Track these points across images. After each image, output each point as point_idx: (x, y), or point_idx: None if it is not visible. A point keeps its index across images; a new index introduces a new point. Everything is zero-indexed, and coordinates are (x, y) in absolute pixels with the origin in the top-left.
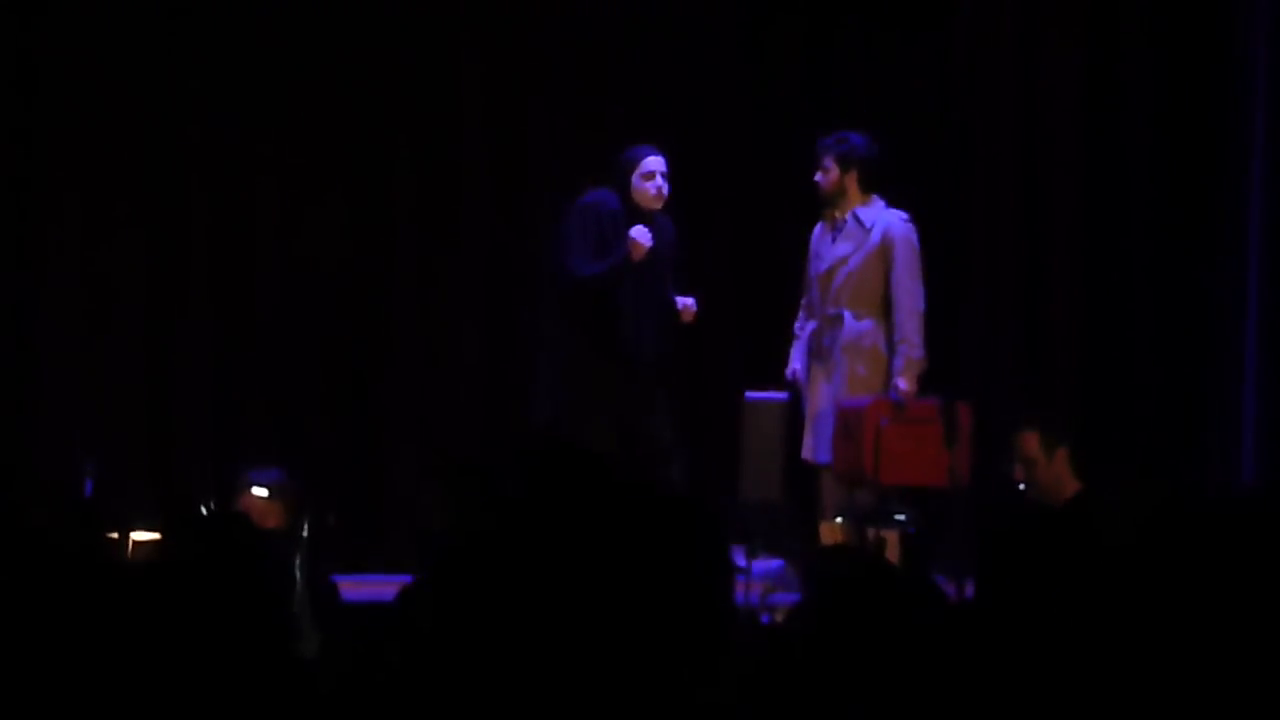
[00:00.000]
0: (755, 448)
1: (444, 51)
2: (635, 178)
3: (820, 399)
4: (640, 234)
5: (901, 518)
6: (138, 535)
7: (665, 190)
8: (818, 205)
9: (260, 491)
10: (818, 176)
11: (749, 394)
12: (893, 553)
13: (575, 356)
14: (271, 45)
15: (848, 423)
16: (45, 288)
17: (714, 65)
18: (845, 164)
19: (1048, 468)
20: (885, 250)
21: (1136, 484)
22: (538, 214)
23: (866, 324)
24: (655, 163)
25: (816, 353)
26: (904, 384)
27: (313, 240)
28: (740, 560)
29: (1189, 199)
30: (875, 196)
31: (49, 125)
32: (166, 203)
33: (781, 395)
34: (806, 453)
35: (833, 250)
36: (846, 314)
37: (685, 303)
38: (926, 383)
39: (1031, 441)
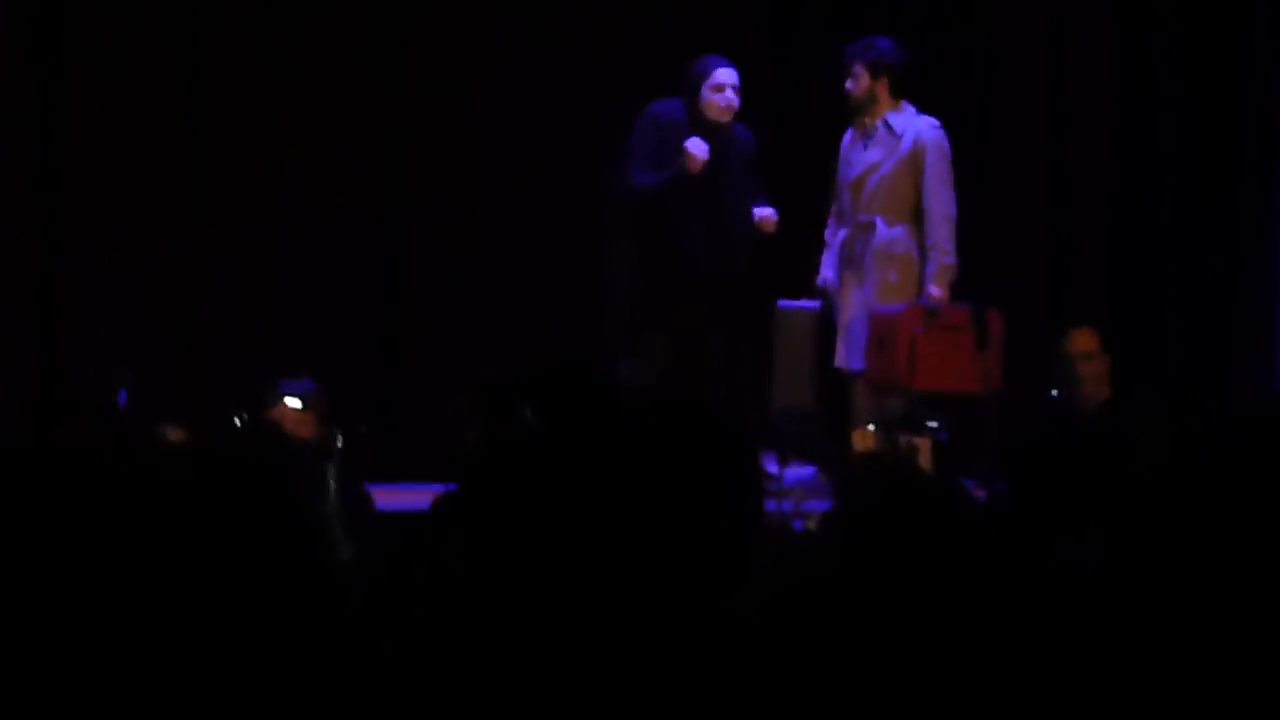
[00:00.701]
0: (787, 356)
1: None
2: (705, 89)
3: (852, 306)
4: (696, 146)
5: (933, 424)
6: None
7: (735, 103)
8: (847, 113)
9: (293, 402)
10: (848, 84)
11: (780, 302)
12: (925, 459)
13: (631, 269)
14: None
15: (881, 331)
16: (75, 203)
17: None
18: (875, 70)
19: (1101, 365)
20: (916, 157)
21: (1167, 396)
22: (564, 130)
23: (898, 230)
24: (726, 75)
25: (848, 260)
26: (936, 290)
27: (341, 157)
28: (772, 468)
29: (1220, 109)
30: (905, 102)
31: (79, 56)
32: (197, 123)
33: (813, 304)
34: (839, 360)
35: (864, 157)
36: (879, 220)
37: (764, 214)
38: (958, 290)
39: (1090, 338)
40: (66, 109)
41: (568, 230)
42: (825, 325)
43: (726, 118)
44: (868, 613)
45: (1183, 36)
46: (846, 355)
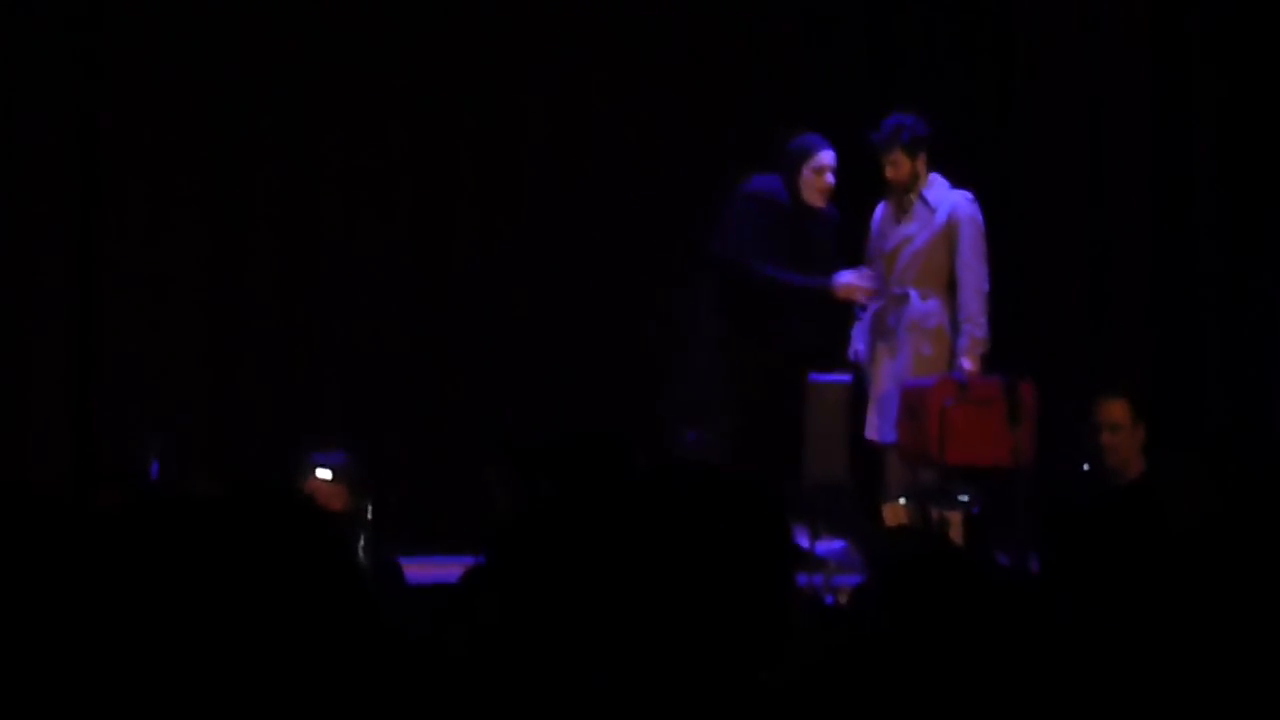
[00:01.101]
0: (819, 428)
1: (506, 35)
2: (806, 170)
3: (885, 378)
4: (855, 280)
5: (964, 498)
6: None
7: (832, 186)
8: (885, 191)
9: (324, 474)
10: (887, 172)
11: (813, 375)
12: (956, 533)
13: (720, 342)
14: (337, 30)
15: (912, 403)
16: (110, 268)
17: (776, 48)
18: (913, 151)
19: (1131, 437)
20: (951, 230)
21: (1203, 467)
22: (603, 198)
23: (932, 303)
24: (828, 157)
25: (881, 332)
26: (968, 363)
27: (376, 224)
28: (804, 541)
29: (1257, 176)
30: (936, 175)
31: (114, 107)
32: (230, 183)
33: (845, 377)
34: (871, 432)
35: (898, 230)
36: (913, 293)
37: (844, 277)
38: (990, 362)
39: (1121, 408)
40: (103, 176)
41: (606, 299)
42: (857, 397)
43: (823, 201)
44: (902, 687)
45: (1221, 107)
46: (879, 427)
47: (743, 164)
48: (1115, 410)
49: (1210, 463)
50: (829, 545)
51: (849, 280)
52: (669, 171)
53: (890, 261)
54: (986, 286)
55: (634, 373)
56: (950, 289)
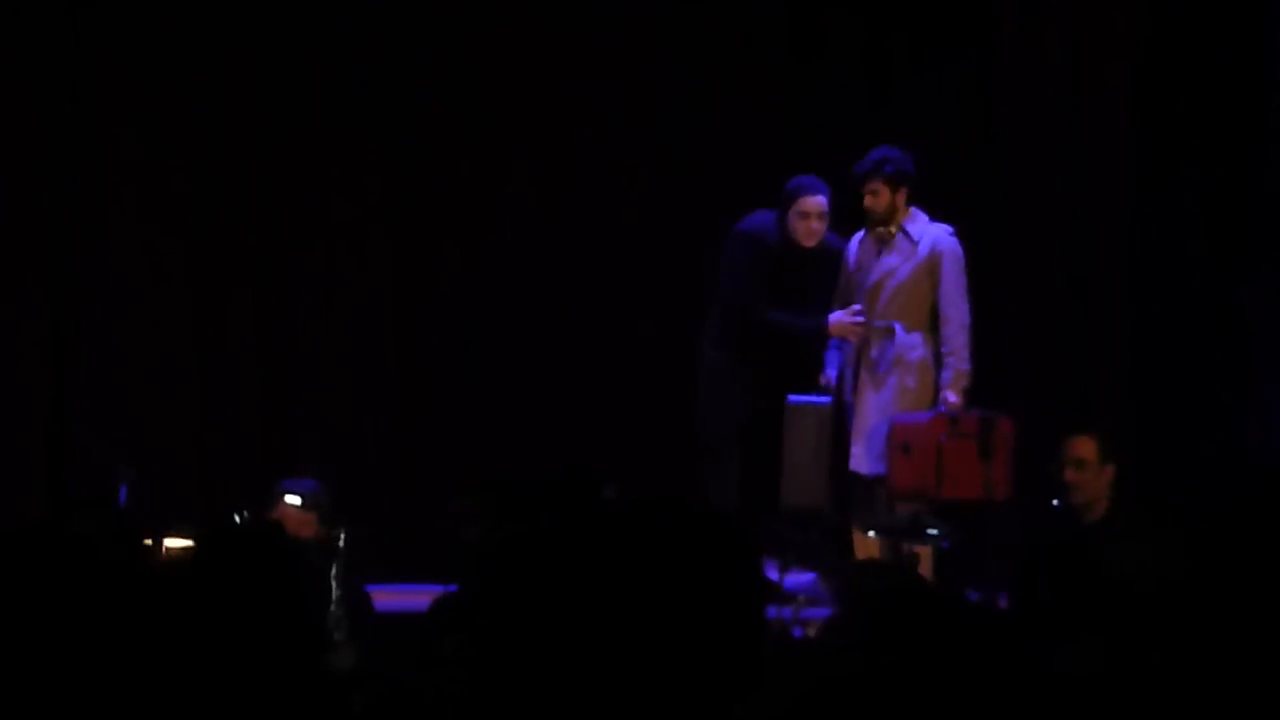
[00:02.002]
0: (798, 451)
1: (488, 63)
2: (792, 212)
3: (869, 411)
4: (846, 319)
5: (934, 532)
6: (172, 542)
7: (819, 231)
8: (866, 224)
9: (294, 500)
10: (866, 201)
11: (791, 397)
12: (926, 568)
13: (717, 374)
14: (320, 57)
15: (905, 439)
16: (88, 297)
17: (758, 80)
18: (894, 184)
19: (1098, 476)
20: (933, 263)
21: (1160, 513)
22: (581, 226)
23: (915, 337)
24: (812, 204)
25: (865, 364)
26: (952, 396)
27: (355, 254)
28: (773, 574)
29: (1232, 212)
30: (916, 209)
31: (94, 132)
32: (210, 211)
33: (824, 399)
34: (855, 464)
35: (879, 264)
36: (897, 326)
37: (837, 317)
38: (969, 396)
39: (1089, 445)
40: (79, 205)
41: (580, 335)
42: (837, 420)
43: (810, 244)
44: (875, 716)
45: (1199, 144)
46: (864, 459)
47: (724, 201)
48: (1082, 447)
49: (1167, 513)
50: (798, 578)
51: (841, 319)
52: (651, 202)
53: (873, 295)
54: (968, 320)
55: (614, 405)
56: (932, 322)
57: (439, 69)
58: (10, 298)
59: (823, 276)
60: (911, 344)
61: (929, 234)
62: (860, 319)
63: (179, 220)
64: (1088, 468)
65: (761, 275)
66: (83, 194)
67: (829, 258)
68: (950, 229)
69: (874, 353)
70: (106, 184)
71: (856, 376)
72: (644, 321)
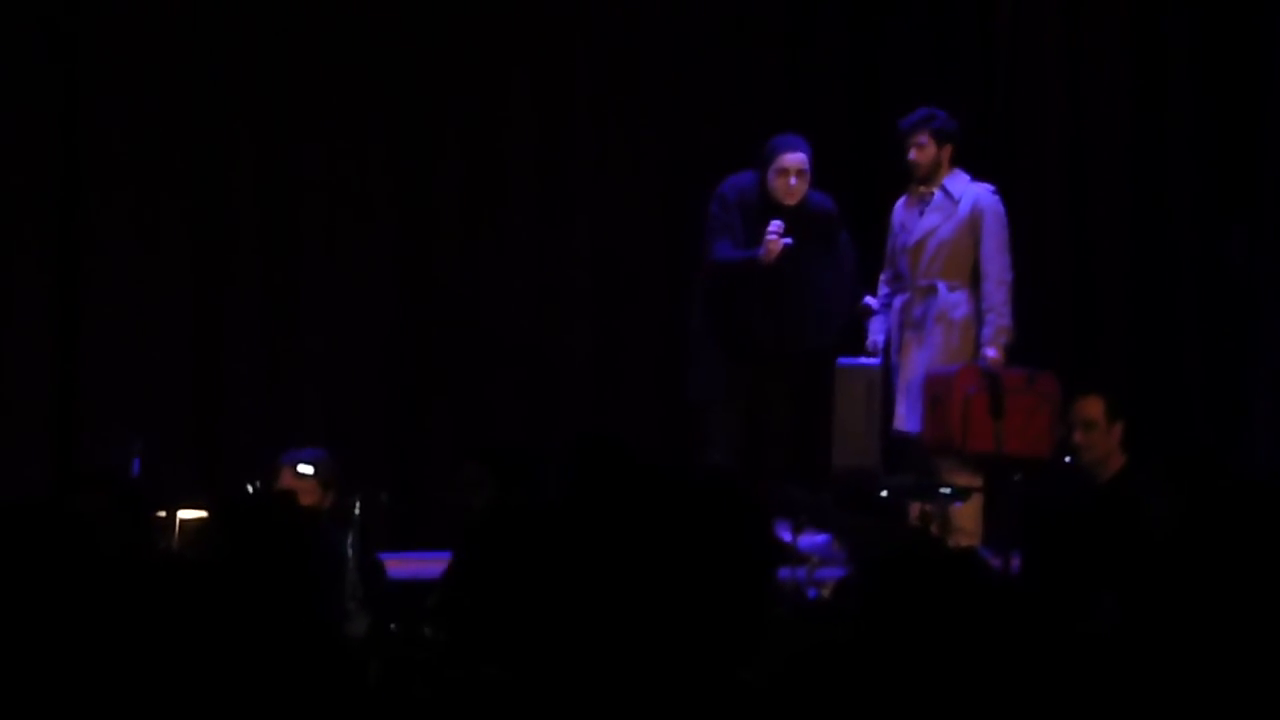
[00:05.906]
0: (848, 414)
1: (488, 36)
2: (771, 171)
3: (913, 369)
4: (775, 234)
5: (945, 491)
6: (185, 514)
7: (798, 188)
8: (909, 181)
9: (303, 469)
10: (911, 155)
11: (840, 359)
12: (975, 523)
13: (698, 338)
14: (319, 34)
15: (936, 391)
16: (92, 268)
17: (756, 53)
18: (941, 139)
19: (1106, 435)
20: (975, 221)
21: (1180, 464)
22: (584, 197)
23: (959, 294)
24: (790, 160)
25: (909, 323)
26: (992, 352)
27: (359, 224)
28: (786, 535)
29: (1234, 176)
30: (958, 169)
31: (93, 114)
32: (213, 182)
33: (874, 361)
34: (899, 423)
35: (920, 223)
36: (940, 285)
37: (866, 301)
38: (1011, 354)
39: (1096, 406)
40: (84, 179)
41: (589, 301)
42: (886, 382)
43: (790, 202)
44: (883, 680)
45: (1199, 108)
46: (906, 417)
47: (724, 166)
48: (1090, 408)
49: (1188, 466)
50: (811, 539)
51: (766, 240)
52: (653, 173)
53: (916, 254)
54: (1010, 277)
55: (618, 376)
56: (975, 280)
57: (441, 31)
58: (13, 270)
59: (809, 234)
60: (955, 302)
61: (970, 192)
62: (774, 236)
63: (182, 191)
64: (1096, 428)
65: (731, 233)
66: (87, 164)
67: (821, 220)
68: (992, 187)
69: (917, 312)
70: (110, 155)
71: (902, 337)
72: (647, 289)
